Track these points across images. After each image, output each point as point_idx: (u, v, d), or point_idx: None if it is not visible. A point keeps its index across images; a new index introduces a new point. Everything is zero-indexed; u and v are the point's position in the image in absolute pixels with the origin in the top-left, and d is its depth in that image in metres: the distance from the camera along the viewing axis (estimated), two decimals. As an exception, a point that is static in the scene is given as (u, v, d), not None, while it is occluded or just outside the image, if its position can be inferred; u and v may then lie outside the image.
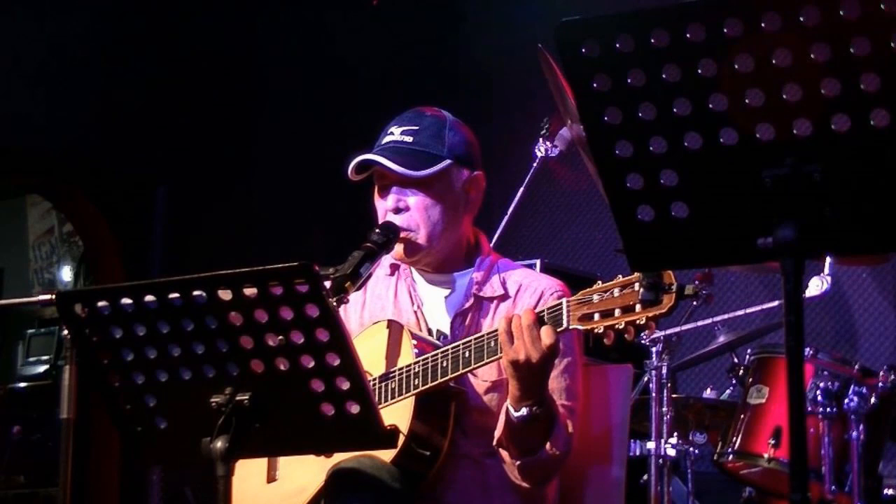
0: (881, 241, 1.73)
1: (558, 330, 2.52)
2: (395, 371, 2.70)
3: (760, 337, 4.33)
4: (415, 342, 2.72)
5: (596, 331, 2.44)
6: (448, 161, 2.85)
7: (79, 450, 2.70)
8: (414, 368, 2.66)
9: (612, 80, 1.68)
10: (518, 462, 2.69)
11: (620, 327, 2.40)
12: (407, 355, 2.71)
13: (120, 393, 2.23)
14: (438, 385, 2.64)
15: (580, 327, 2.47)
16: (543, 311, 2.54)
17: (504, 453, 2.72)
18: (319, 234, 6.46)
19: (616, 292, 2.42)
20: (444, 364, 2.62)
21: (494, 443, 2.72)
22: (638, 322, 2.38)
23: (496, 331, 2.57)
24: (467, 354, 2.61)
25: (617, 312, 2.40)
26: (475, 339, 2.61)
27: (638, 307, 2.37)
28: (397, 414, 2.62)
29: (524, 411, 2.59)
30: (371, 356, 2.72)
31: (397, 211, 2.84)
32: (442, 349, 2.65)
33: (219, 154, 6.36)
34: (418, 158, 2.83)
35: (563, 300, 2.51)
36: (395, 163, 2.81)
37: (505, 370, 2.62)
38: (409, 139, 2.85)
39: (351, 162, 2.85)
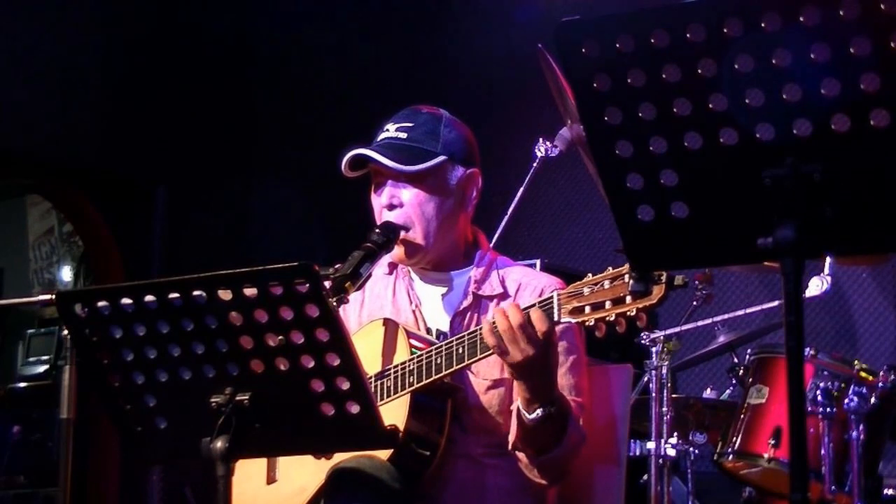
0: (881, 241, 1.73)
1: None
2: (390, 369, 2.69)
3: (760, 337, 4.33)
4: (411, 340, 2.72)
5: (587, 323, 2.43)
6: (442, 157, 2.83)
7: (79, 450, 2.70)
8: (409, 366, 2.65)
9: (612, 80, 1.68)
10: (536, 462, 2.69)
11: (611, 319, 2.39)
12: (403, 353, 2.70)
13: (120, 393, 2.23)
14: (433, 382, 2.63)
15: (571, 320, 2.45)
16: (535, 305, 2.53)
17: (521, 455, 2.71)
18: (319, 234, 6.46)
19: (606, 284, 2.41)
20: (439, 361, 2.61)
21: (510, 447, 2.70)
22: (628, 313, 2.37)
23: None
24: (461, 350, 2.59)
25: (607, 304, 2.39)
26: (468, 334, 2.60)
27: (628, 298, 2.36)
28: (393, 412, 2.61)
29: (538, 413, 2.57)
30: (367, 355, 2.71)
31: (391, 207, 2.83)
32: (436, 346, 2.65)
33: (219, 154, 6.37)
34: (411, 154, 2.81)
35: (554, 293, 2.50)
36: (388, 158, 2.79)
37: (510, 375, 2.61)
38: (403, 135, 2.85)
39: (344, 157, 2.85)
